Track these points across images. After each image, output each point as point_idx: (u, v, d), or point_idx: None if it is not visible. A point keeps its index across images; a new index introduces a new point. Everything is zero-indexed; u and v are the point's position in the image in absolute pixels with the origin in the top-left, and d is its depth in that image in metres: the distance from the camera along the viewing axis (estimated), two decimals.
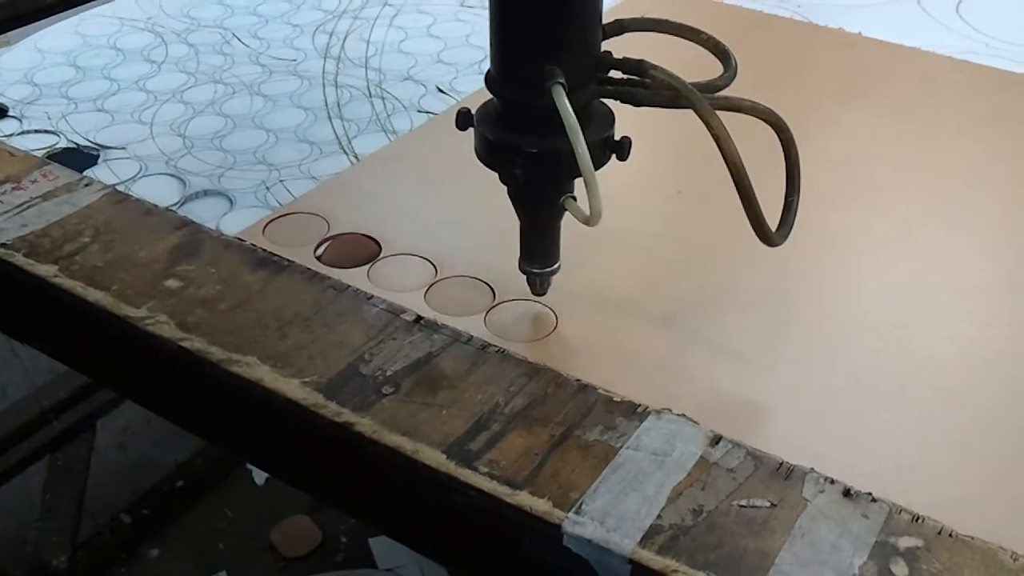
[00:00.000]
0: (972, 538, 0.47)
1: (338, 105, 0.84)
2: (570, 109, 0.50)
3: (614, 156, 0.55)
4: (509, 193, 0.57)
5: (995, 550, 0.46)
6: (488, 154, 0.56)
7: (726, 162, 0.53)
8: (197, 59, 0.91)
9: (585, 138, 0.50)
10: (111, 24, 0.98)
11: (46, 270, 0.63)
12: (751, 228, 0.55)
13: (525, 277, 0.60)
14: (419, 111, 0.83)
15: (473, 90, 0.85)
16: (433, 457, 0.51)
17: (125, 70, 0.89)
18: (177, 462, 1.68)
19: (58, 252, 0.64)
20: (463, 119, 0.56)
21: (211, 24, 0.98)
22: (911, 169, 0.76)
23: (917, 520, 0.48)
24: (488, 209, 0.70)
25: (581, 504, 0.48)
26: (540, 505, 0.48)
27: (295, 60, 0.91)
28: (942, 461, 0.52)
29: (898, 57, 0.92)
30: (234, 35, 0.96)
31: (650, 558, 0.46)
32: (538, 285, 0.60)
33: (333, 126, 0.80)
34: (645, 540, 0.46)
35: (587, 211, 0.52)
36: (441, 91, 0.86)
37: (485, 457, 0.51)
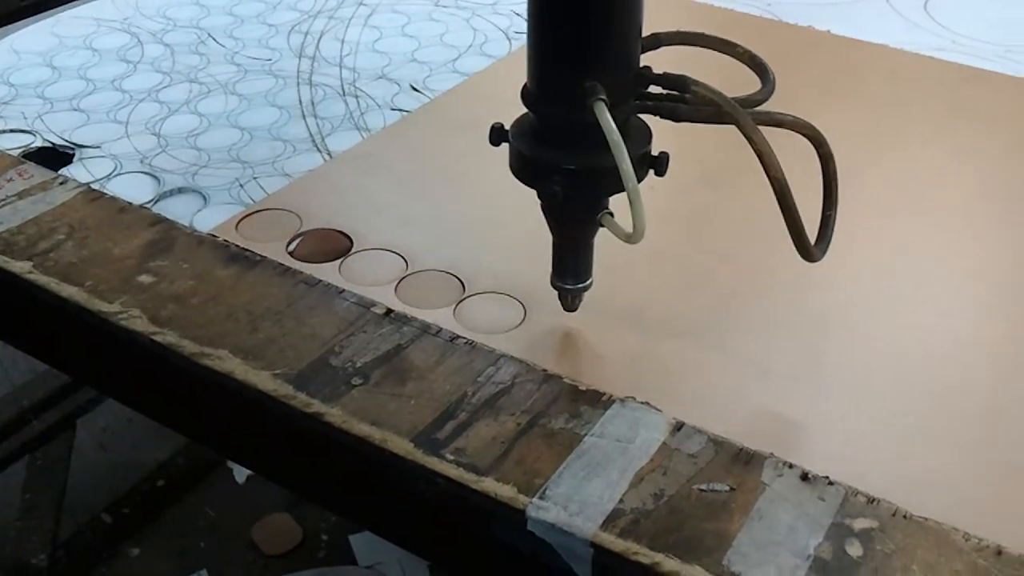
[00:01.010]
0: (926, 519, 0.48)
1: (312, 103, 0.84)
2: (614, 126, 0.49)
3: (652, 171, 0.55)
4: (544, 209, 0.56)
5: (948, 531, 0.48)
6: (525, 171, 0.55)
7: (769, 178, 0.53)
8: (173, 59, 0.92)
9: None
10: (87, 25, 0.98)
11: (21, 267, 0.63)
12: (792, 244, 0.55)
13: (556, 293, 0.59)
14: (392, 109, 0.84)
15: (446, 88, 0.86)
16: (401, 446, 0.52)
17: (101, 70, 0.90)
18: (158, 462, 1.68)
19: (33, 249, 0.65)
20: (497, 135, 0.55)
21: (187, 24, 0.99)
22: (878, 163, 0.78)
23: (873, 502, 0.49)
24: (458, 204, 0.71)
25: (545, 490, 0.49)
26: (505, 491, 0.49)
27: (270, 60, 0.92)
28: (899, 445, 0.53)
29: (866, 54, 0.93)
30: (210, 35, 0.97)
31: (611, 541, 0.47)
32: (569, 301, 0.60)
33: (307, 124, 0.81)
34: (607, 524, 0.47)
35: (627, 228, 0.52)
36: (415, 89, 0.87)
37: (452, 445, 0.52)
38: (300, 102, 0.85)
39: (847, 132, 0.81)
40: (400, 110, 0.83)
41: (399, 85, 0.87)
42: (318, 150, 0.78)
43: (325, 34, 0.97)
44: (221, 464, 1.70)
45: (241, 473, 1.70)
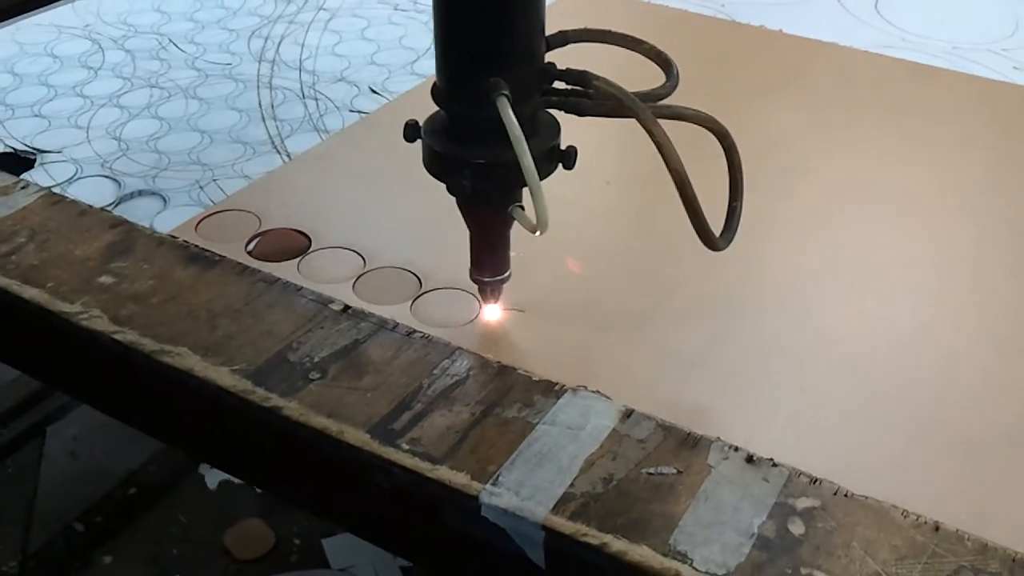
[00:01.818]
0: (866, 498, 0.50)
1: (272, 106, 0.85)
2: (515, 121, 0.50)
3: (560, 165, 0.56)
4: (458, 204, 0.58)
5: (887, 508, 0.49)
6: (436, 165, 0.56)
7: (669, 170, 0.54)
8: (134, 64, 0.93)
9: (531, 148, 0.51)
10: (48, 32, 0.99)
11: None
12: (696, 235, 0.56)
13: (477, 287, 0.61)
14: (351, 111, 0.85)
15: (405, 90, 0.88)
16: (357, 437, 0.53)
17: (62, 76, 0.91)
18: (129, 470, 1.68)
19: None
20: (411, 131, 0.57)
21: (148, 30, 1.00)
22: (827, 157, 0.79)
23: (815, 482, 0.51)
24: (414, 203, 0.72)
25: (498, 476, 0.50)
26: (459, 478, 0.51)
27: (230, 64, 0.93)
28: (843, 429, 0.55)
29: (816, 52, 0.95)
30: (171, 41, 0.97)
31: (562, 524, 0.48)
32: (489, 293, 0.61)
33: (267, 127, 0.82)
34: (558, 507, 0.49)
35: (534, 220, 0.53)
36: (374, 91, 0.88)
37: (407, 435, 0.53)
38: (260, 105, 0.86)
39: (796, 127, 0.83)
40: (359, 112, 0.85)
41: (358, 87, 0.89)
42: (277, 152, 0.79)
43: (285, 38, 0.98)
44: (193, 471, 1.70)
45: (213, 480, 1.70)
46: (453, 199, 0.64)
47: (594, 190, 0.75)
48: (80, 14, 1.03)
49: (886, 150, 0.81)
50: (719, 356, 0.60)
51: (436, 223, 0.70)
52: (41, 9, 1.03)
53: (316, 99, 0.87)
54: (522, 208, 0.57)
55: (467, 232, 0.68)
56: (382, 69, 0.92)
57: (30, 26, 1.00)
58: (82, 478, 1.62)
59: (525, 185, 0.52)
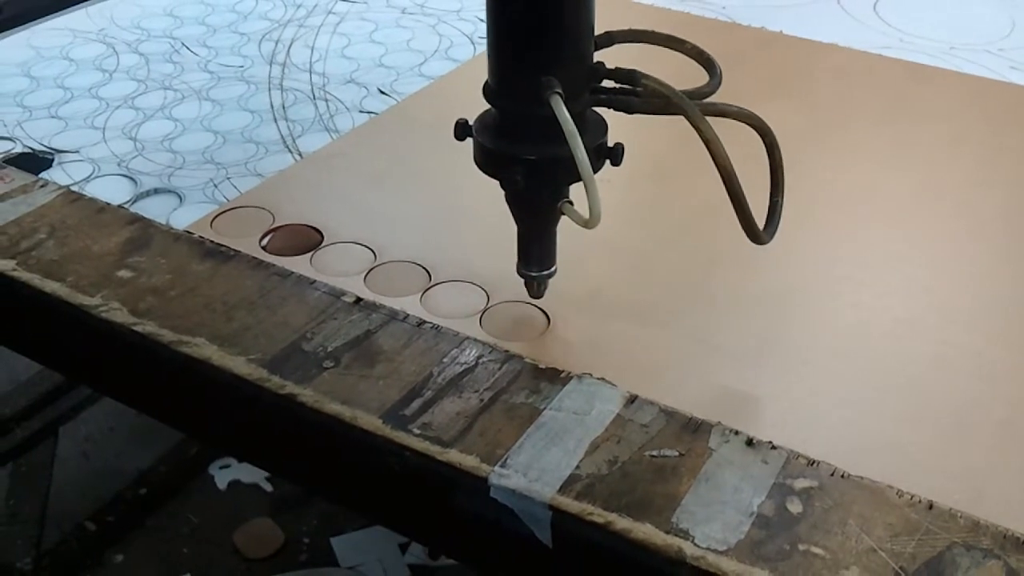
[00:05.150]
0: (862, 478, 0.52)
1: (283, 107, 0.87)
2: (569, 118, 0.52)
3: (608, 162, 0.58)
4: (507, 199, 0.59)
5: (883, 488, 0.51)
6: (488, 162, 0.58)
7: (717, 166, 0.55)
8: (148, 67, 0.95)
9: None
10: (63, 36, 1.01)
11: (4, 265, 0.66)
12: (740, 228, 0.58)
13: (523, 281, 0.62)
14: (361, 111, 0.87)
15: (413, 91, 0.90)
16: (370, 422, 0.55)
17: (78, 79, 0.93)
18: (140, 470, 1.70)
19: (15, 248, 0.68)
20: (461, 130, 0.58)
21: (161, 35, 1.02)
22: (824, 154, 0.81)
23: (813, 464, 0.52)
24: (423, 199, 0.74)
25: (507, 459, 0.52)
26: (469, 461, 0.52)
27: (242, 67, 0.95)
28: (839, 413, 0.57)
29: (814, 52, 0.97)
30: (183, 44, 1.00)
31: (568, 503, 0.50)
32: (535, 288, 0.62)
33: (278, 127, 0.84)
34: (564, 488, 0.51)
35: (585, 214, 0.54)
36: (383, 92, 0.90)
37: (418, 421, 0.55)
38: (272, 106, 0.88)
39: (794, 125, 0.85)
40: (368, 112, 0.87)
41: (367, 89, 0.91)
42: (289, 151, 0.81)
43: (295, 42, 1.00)
44: (203, 471, 1.72)
45: (223, 479, 1.72)
46: (459, 196, 0.66)
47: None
48: (94, 19, 1.05)
49: (883, 147, 0.83)
50: (720, 345, 0.61)
51: (444, 218, 0.72)
52: (56, 14, 1.06)
53: (326, 100, 0.89)
54: (571, 203, 0.58)
55: (474, 228, 0.71)
56: (390, 71, 0.94)
57: (45, 31, 1.03)
58: (94, 478, 1.64)
59: (576, 181, 0.54)
